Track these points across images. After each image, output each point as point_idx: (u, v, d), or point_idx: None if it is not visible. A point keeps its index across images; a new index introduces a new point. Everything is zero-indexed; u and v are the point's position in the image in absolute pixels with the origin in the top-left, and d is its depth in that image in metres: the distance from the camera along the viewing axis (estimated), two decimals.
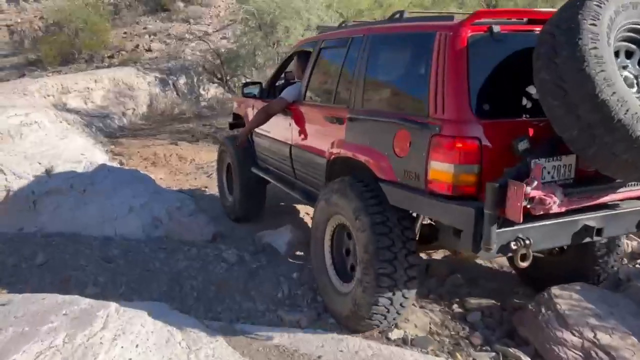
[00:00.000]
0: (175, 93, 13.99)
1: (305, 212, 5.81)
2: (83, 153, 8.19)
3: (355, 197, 3.21)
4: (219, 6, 20.18)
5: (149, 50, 16.26)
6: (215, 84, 14.55)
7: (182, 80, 14.27)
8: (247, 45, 9.49)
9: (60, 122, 9.02)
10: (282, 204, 6.03)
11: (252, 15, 9.11)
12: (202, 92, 14.58)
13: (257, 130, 5.06)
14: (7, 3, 22.28)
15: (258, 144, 5.29)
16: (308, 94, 4.24)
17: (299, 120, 4.25)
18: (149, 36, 17.79)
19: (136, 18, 19.56)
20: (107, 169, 5.98)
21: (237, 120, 5.93)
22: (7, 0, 22.35)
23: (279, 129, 4.65)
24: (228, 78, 10.30)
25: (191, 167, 8.15)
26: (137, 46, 16.64)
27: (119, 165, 7.48)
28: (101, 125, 11.13)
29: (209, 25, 18.74)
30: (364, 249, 3.11)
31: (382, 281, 3.05)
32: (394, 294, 3.10)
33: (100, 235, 4.92)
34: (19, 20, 20.62)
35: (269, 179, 4.97)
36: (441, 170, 2.76)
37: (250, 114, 5.28)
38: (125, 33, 18.31)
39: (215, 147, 9.12)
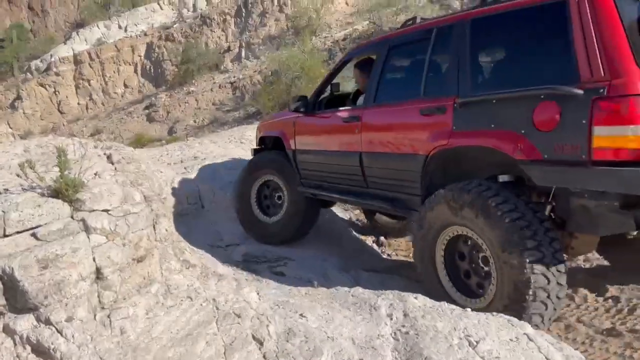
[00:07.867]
0: None
1: None
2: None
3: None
4: None
5: None
6: None
7: None
8: None
9: None
10: None
11: None
12: None
13: (301, 147, 4.42)
14: (232, 62, 21.94)
15: (303, 161, 4.43)
16: (380, 96, 3.73)
17: (371, 125, 3.73)
18: None
19: None
20: None
21: (264, 145, 5.00)
22: (232, 59, 22.03)
23: (338, 140, 4.06)
24: None
25: None
26: None
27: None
28: None
29: None
30: (501, 238, 2.70)
31: (530, 255, 2.61)
32: (548, 269, 2.62)
33: None
34: (241, 77, 19.95)
35: (326, 195, 4.27)
36: (613, 135, 2.38)
37: (291, 133, 4.49)
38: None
39: None
